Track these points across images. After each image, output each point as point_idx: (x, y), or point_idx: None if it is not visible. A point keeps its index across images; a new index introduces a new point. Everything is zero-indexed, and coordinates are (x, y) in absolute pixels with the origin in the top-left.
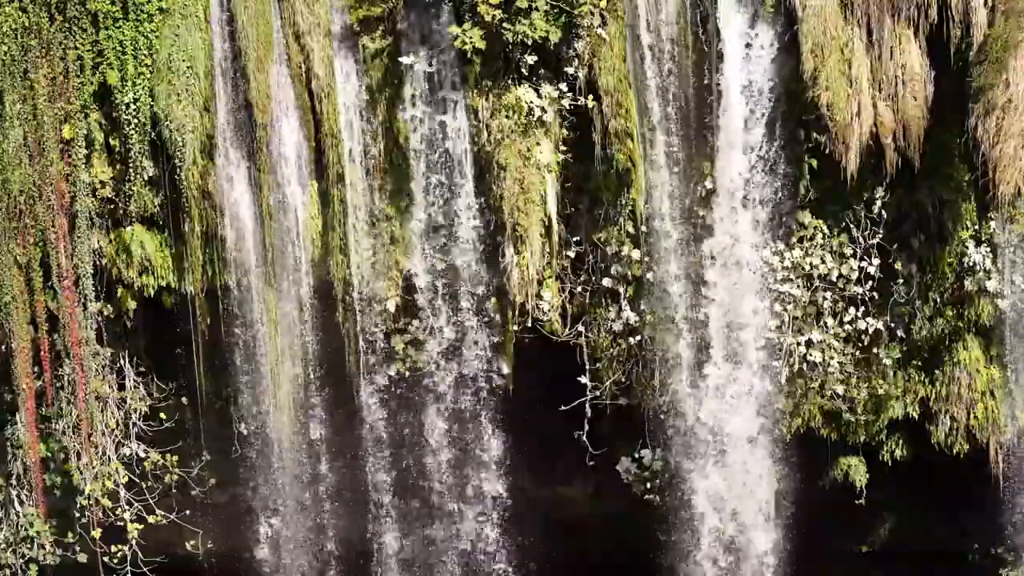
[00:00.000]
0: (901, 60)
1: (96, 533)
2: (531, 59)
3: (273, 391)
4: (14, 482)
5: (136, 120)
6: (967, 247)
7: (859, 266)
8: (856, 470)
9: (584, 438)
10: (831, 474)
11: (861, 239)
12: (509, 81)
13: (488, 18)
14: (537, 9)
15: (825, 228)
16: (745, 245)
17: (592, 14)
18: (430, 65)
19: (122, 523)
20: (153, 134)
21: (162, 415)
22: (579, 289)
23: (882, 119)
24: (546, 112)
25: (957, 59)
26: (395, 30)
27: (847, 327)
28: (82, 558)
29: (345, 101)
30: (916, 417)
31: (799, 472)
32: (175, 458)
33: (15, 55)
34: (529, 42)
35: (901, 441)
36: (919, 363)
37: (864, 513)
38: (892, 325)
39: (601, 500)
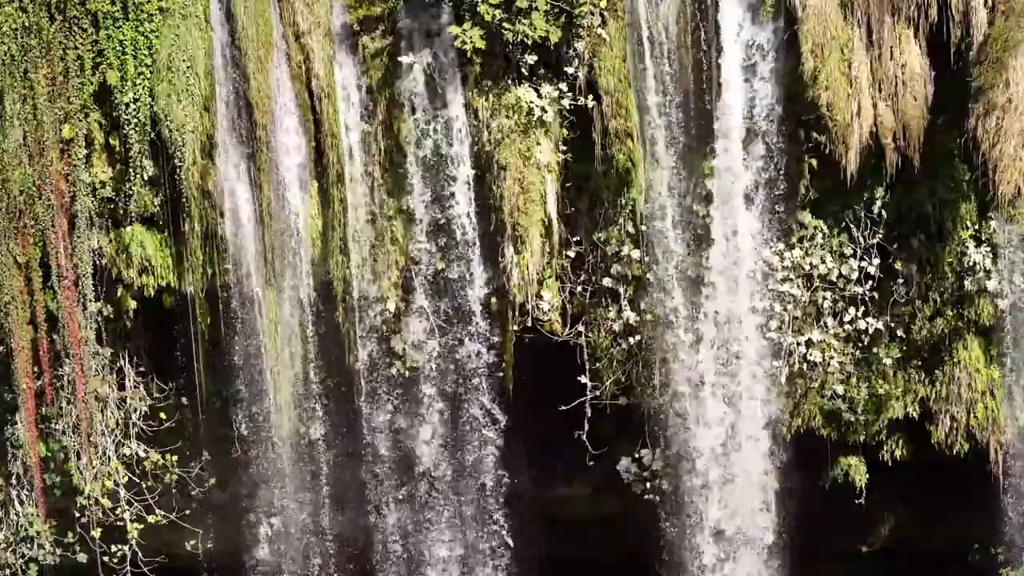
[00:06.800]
0: (901, 60)
1: (96, 533)
2: (531, 59)
3: (273, 391)
4: (14, 482)
5: (136, 120)
6: (967, 247)
7: (859, 266)
8: (856, 470)
9: (584, 438)
10: (831, 474)
11: (861, 239)
12: (509, 81)
13: (488, 18)
14: (537, 9)
15: (825, 228)
16: (745, 244)
17: (592, 14)
18: (430, 65)
19: (122, 523)
20: (153, 134)
21: (162, 415)
22: (579, 289)
23: (882, 119)
24: (546, 112)
25: (957, 59)
26: (395, 30)
27: (847, 327)
28: (82, 558)
29: (345, 100)
30: (916, 417)
31: (799, 472)
32: (175, 458)
33: (15, 55)
34: (529, 42)
35: (901, 441)
36: (919, 363)
37: (864, 513)
38: (892, 325)
39: (601, 500)
